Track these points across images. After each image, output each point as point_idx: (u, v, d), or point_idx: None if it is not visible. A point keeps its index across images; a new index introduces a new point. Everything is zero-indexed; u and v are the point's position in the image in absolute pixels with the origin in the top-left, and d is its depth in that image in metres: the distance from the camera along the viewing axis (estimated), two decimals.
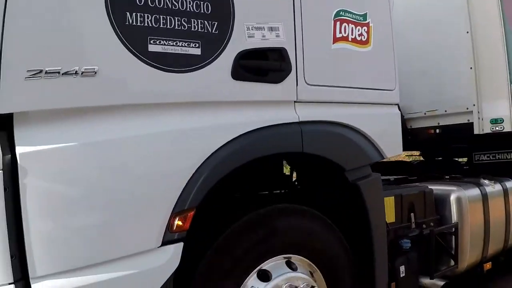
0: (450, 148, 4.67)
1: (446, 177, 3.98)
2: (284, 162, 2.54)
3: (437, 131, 4.15)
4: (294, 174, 2.75)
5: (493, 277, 3.57)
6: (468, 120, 3.88)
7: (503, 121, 3.64)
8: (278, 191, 2.56)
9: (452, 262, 3.05)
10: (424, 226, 2.94)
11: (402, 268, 2.63)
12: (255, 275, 1.88)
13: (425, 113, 4.18)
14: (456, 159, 5.38)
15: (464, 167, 5.05)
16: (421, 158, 5.81)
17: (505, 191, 3.58)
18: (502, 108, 3.66)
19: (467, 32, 3.81)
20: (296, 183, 2.77)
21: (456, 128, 4.01)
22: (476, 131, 3.81)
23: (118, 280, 1.46)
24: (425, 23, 4.04)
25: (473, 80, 3.80)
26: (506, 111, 3.64)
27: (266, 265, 1.92)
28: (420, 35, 4.06)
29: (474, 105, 3.81)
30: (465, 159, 5.66)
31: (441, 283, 2.99)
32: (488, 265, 3.38)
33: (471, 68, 3.82)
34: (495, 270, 3.50)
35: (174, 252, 1.58)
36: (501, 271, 3.66)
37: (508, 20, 3.72)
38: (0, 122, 1.40)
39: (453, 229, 3.03)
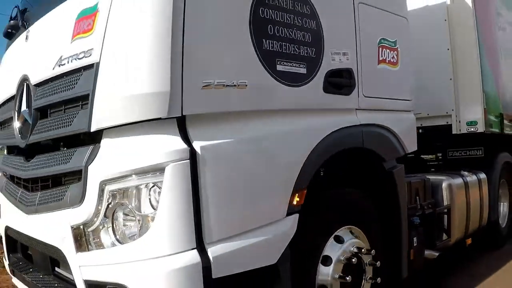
0: (429, 146, 5.58)
1: (432, 169, 4.85)
2: None
3: (420, 131, 4.97)
4: None
5: (474, 251, 4.53)
6: (447, 122, 4.75)
7: (477, 123, 4.57)
8: None
9: (445, 237, 3.89)
10: (425, 207, 3.73)
11: (415, 239, 3.39)
12: (333, 239, 2.53)
13: None
14: (422, 156, 6.34)
15: (428, 163, 5.99)
16: None
17: (479, 181, 4.51)
18: (476, 112, 4.58)
19: (448, 49, 4.69)
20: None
21: (437, 129, 4.87)
22: (454, 132, 4.70)
23: (261, 242, 2.03)
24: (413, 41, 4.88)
25: (452, 89, 4.68)
26: (479, 114, 4.56)
27: (338, 232, 2.57)
28: None
29: (452, 110, 4.69)
30: (430, 156, 6.67)
31: (436, 254, 3.81)
32: (469, 241, 4.29)
33: (450, 79, 4.69)
34: (474, 245, 4.44)
35: (294, 221, 2.18)
36: (478, 246, 4.62)
37: (483, 40, 4.66)
38: (178, 123, 1.90)
39: (446, 210, 3.87)
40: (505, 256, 4.69)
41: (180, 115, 1.85)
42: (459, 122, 4.71)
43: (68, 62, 2.07)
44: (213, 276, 1.83)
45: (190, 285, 1.77)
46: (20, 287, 3.14)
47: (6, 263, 3.23)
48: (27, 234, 2.57)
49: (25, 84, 2.57)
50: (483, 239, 4.72)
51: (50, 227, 2.23)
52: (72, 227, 2.01)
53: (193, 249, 1.81)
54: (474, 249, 4.61)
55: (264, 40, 2.12)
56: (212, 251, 1.85)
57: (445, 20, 4.70)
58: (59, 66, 2.13)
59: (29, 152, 2.60)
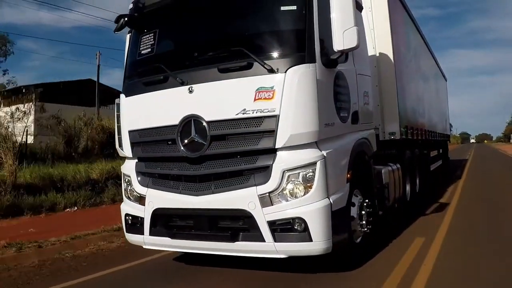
0: None
1: None
2: None
3: None
4: None
5: (400, 213, 7.96)
6: (377, 133, 8.07)
7: (395, 133, 7.93)
8: None
9: (386, 202, 7.09)
10: (377, 184, 6.85)
11: (376, 201, 6.46)
12: (353, 194, 5.36)
13: None
14: None
15: None
16: None
17: (398, 169, 7.88)
18: (394, 126, 7.95)
19: (376, 86, 7.95)
20: None
21: None
22: (381, 138, 7.99)
23: (341, 195, 4.85)
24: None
25: (379, 112, 7.98)
26: (396, 128, 7.95)
27: (355, 191, 5.43)
28: None
29: (379, 124, 7.99)
30: None
31: (381, 212, 6.99)
32: (397, 204, 7.62)
33: (378, 105, 7.97)
34: (399, 209, 7.84)
35: (348, 186, 5.03)
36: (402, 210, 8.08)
37: (398, 77, 8.04)
38: (316, 143, 4.61)
39: (386, 185, 7.08)
40: (410, 214, 8.27)
41: (318, 140, 4.56)
42: (384, 132, 8.01)
43: (252, 113, 4.53)
44: (332, 210, 4.57)
45: (327, 212, 4.49)
46: (158, 248, 5.38)
47: (146, 234, 5.30)
48: (197, 208, 4.85)
49: (192, 119, 4.85)
50: (400, 204, 8.20)
51: (232, 199, 4.63)
52: (259, 195, 4.51)
53: (326, 198, 4.55)
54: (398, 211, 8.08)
55: (336, 102, 4.95)
56: (331, 199, 4.62)
57: (375, 66, 7.95)
58: (243, 114, 4.57)
59: (191, 160, 4.88)
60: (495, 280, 4.73)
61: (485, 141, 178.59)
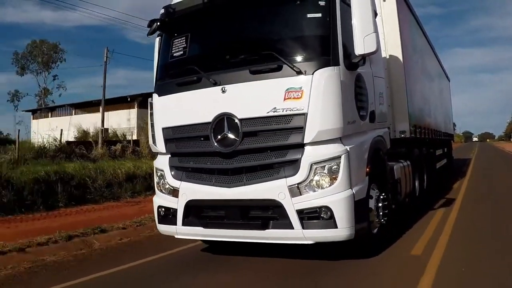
0: None
1: None
2: None
3: None
4: None
5: (410, 207, 8.44)
6: (389, 131, 8.54)
7: (406, 132, 8.40)
8: None
9: (398, 196, 7.56)
10: (390, 179, 7.32)
11: (389, 195, 6.93)
12: (371, 188, 5.82)
13: None
14: None
15: None
16: None
17: (408, 165, 8.35)
18: (405, 126, 8.42)
19: (387, 87, 8.42)
20: None
21: None
22: (391, 137, 8.47)
23: (362, 187, 5.33)
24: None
25: (390, 112, 8.45)
26: (406, 127, 8.42)
27: (372, 185, 5.89)
28: None
29: (390, 124, 8.46)
30: None
31: (393, 206, 7.45)
32: (407, 199, 8.09)
33: (389, 105, 8.44)
34: (409, 203, 8.32)
35: (367, 179, 5.51)
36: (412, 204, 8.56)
37: (407, 78, 8.52)
38: (340, 138, 5.10)
39: (399, 180, 7.54)
40: (419, 208, 8.76)
41: (342, 136, 5.03)
42: (394, 131, 8.48)
43: (282, 111, 5.01)
44: (355, 200, 5.04)
45: (350, 201, 4.97)
46: (190, 237, 5.85)
47: (178, 224, 5.75)
48: (229, 199, 5.31)
49: (225, 117, 5.31)
50: (410, 199, 8.68)
51: (263, 190, 5.10)
52: (288, 186, 4.98)
53: (349, 189, 5.03)
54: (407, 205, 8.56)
55: (357, 102, 5.43)
56: (354, 190, 5.10)
57: (386, 68, 8.42)
58: (273, 112, 5.04)
59: (224, 154, 5.35)
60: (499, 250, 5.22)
61: (488, 140, 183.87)
